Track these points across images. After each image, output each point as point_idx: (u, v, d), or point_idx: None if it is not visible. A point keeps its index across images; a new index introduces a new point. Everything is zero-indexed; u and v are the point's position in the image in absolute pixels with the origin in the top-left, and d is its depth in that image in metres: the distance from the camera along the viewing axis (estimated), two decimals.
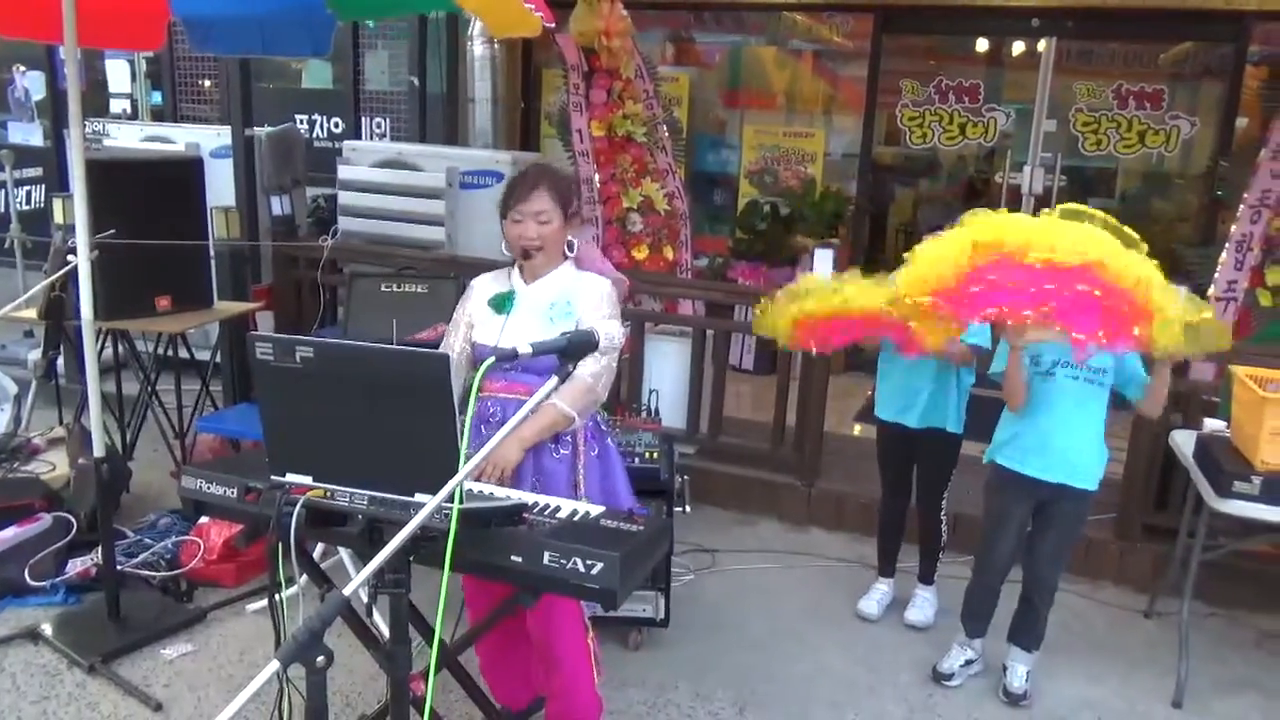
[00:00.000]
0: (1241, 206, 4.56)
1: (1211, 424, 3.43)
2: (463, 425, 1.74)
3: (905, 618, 3.52)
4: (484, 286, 2.56)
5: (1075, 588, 3.78)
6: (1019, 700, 3.04)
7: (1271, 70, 5.71)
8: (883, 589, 3.63)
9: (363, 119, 7.14)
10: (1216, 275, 4.61)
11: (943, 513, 3.47)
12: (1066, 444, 2.85)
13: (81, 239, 2.99)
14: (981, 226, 2.47)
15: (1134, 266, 2.34)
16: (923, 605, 3.54)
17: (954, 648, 3.21)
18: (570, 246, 2.49)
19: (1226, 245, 4.59)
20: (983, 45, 6.54)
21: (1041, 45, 6.05)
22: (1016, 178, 6.20)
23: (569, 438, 2.46)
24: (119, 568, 3.36)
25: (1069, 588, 3.73)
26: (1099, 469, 2.90)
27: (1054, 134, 6.06)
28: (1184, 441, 3.38)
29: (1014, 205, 6.23)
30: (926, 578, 3.58)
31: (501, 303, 2.47)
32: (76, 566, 3.49)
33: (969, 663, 3.19)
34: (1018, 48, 6.41)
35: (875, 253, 7.13)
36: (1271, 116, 4.66)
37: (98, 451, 3.17)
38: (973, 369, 3.17)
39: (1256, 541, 3.35)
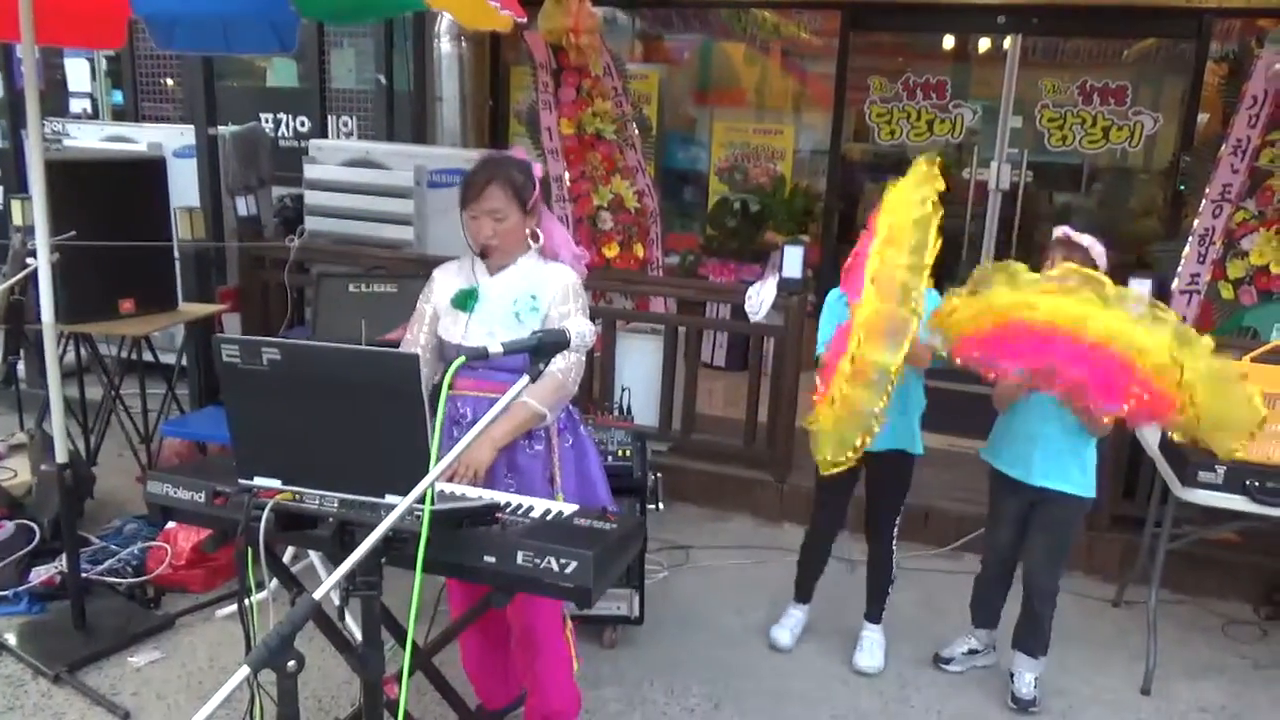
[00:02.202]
0: (1204, 201, 4.63)
1: None
2: (434, 425, 1.72)
3: (854, 663, 3.20)
4: (446, 279, 2.51)
5: None
6: (1028, 707, 2.99)
7: (1231, 66, 5.81)
8: (797, 615, 3.38)
9: (329, 118, 7.06)
10: (1180, 269, 4.68)
11: (894, 543, 3.18)
12: (1046, 448, 2.83)
13: (41, 241, 2.93)
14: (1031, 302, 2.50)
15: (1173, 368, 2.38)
16: (872, 648, 3.23)
17: (960, 636, 3.24)
18: (535, 237, 2.45)
19: (1189, 239, 4.66)
20: (949, 42, 6.60)
21: (1007, 42, 6.11)
22: (984, 174, 6.26)
23: (542, 432, 2.45)
24: (84, 575, 3.31)
25: None
26: (1086, 475, 2.86)
27: (1020, 130, 6.12)
28: (1150, 433, 3.43)
29: (980, 201, 6.30)
30: (874, 616, 3.27)
31: (464, 301, 2.42)
32: (40, 575, 3.42)
33: (972, 651, 3.19)
34: (983, 45, 6.47)
35: (845, 249, 7.19)
36: (1231, 112, 4.73)
37: (60, 457, 3.11)
38: (922, 378, 3.03)
39: (1220, 530, 3.41)
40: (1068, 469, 2.84)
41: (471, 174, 2.41)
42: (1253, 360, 3.15)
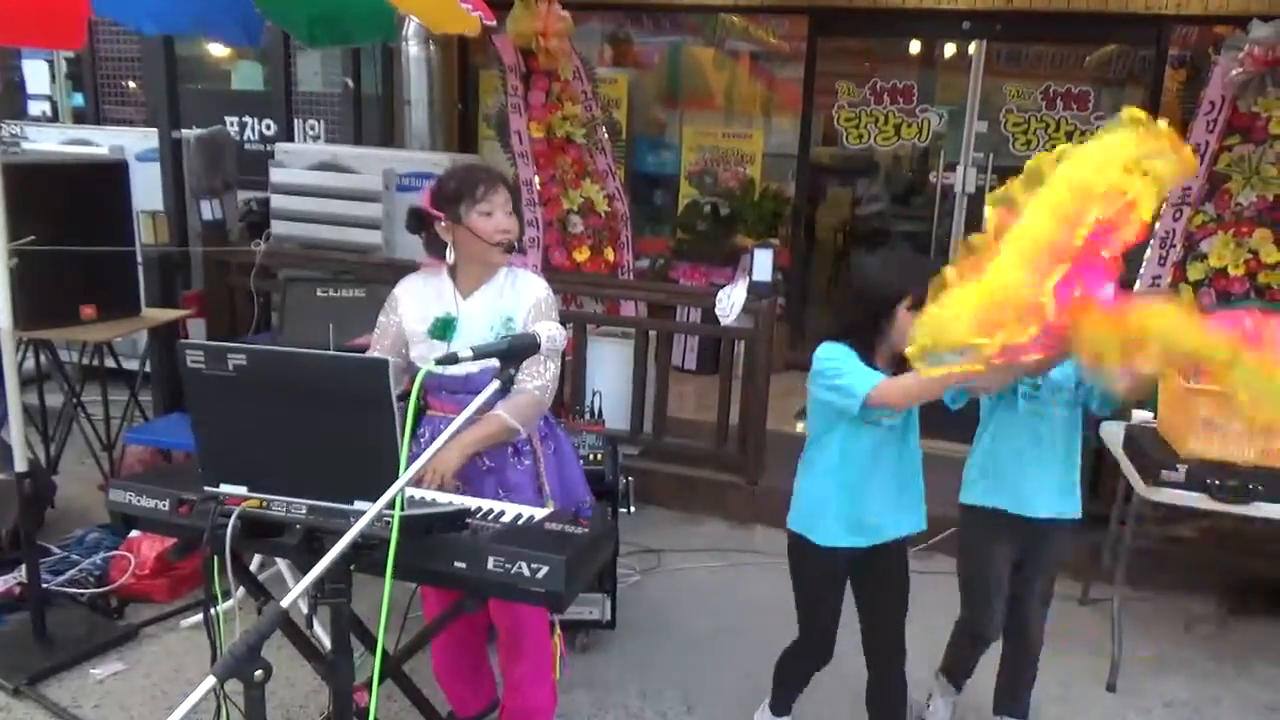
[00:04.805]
0: (1164, 204, 4.71)
1: (1139, 415, 3.54)
2: (404, 431, 1.71)
3: None
4: (412, 299, 2.43)
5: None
6: None
7: (1189, 73, 5.92)
8: None
9: (295, 121, 7.00)
10: (1142, 270, 4.76)
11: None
12: (1044, 473, 2.54)
13: None
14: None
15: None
16: None
17: (939, 701, 2.91)
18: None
19: (1151, 241, 4.75)
20: (915, 47, 6.67)
21: (972, 48, 6.18)
22: (950, 177, 6.33)
23: (528, 447, 2.45)
24: (44, 586, 3.24)
25: None
26: (1078, 493, 2.62)
27: (985, 134, 6.20)
28: (1114, 432, 3.48)
29: (946, 204, 6.37)
30: None
31: (443, 331, 2.37)
32: None
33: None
34: (949, 50, 6.54)
35: (814, 252, 7.24)
36: (1190, 117, 4.83)
37: (20, 466, 3.05)
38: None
39: (1183, 528, 3.47)
40: (1068, 492, 2.57)
41: (471, 174, 2.33)
42: None
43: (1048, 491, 2.56)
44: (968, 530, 2.68)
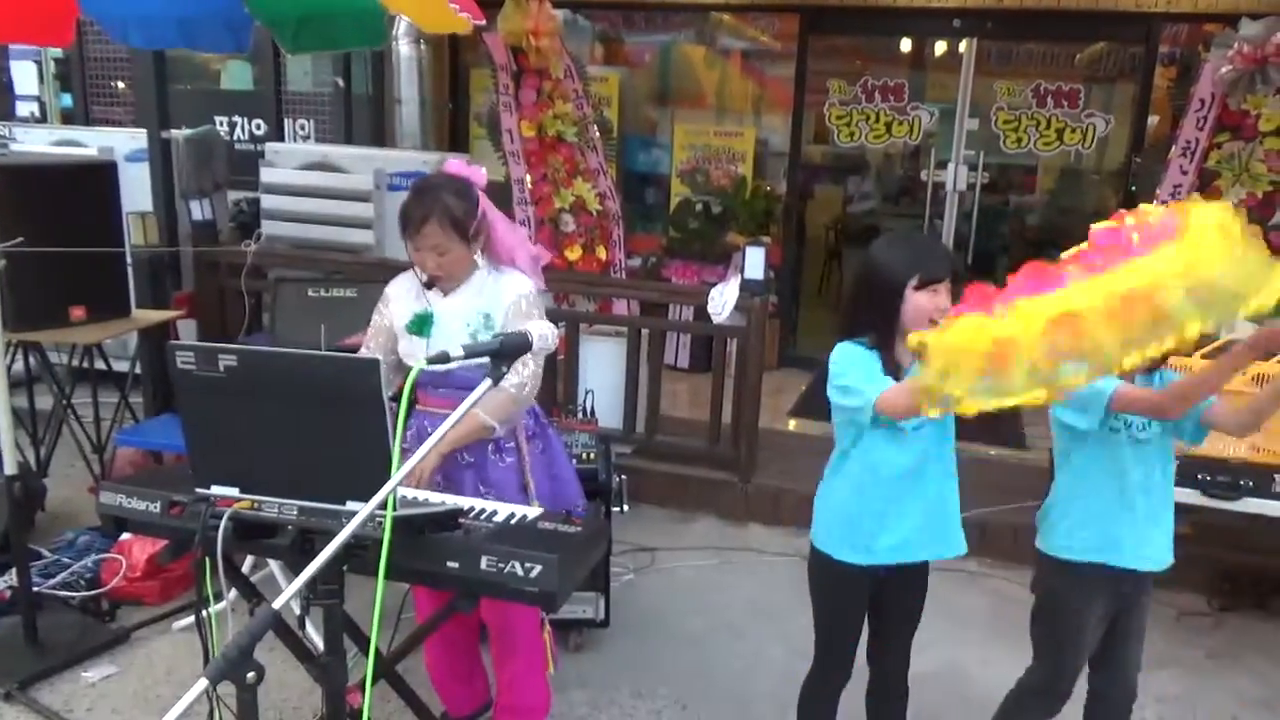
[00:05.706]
0: (1154, 201, 4.73)
1: None
2: (395, 431, 1.70)
3: None
4: (400, 296, 2.46)
5: (1009, 574, 3.86)
6: None
7: (1179, 70, 5.95)
8: None
9: (285, 121, 6.97)
10: None
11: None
12: (1145, 509, 2.34)
13: None
14: None
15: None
16: None
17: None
18: (484, 252, 2.40)
19: None
20: (906, 46, 6.68)
21: (963, 46, 6.19)
22: (941, 175, 6.34)
23: (510, 444, 2.44)
24: (35, 589, 3.22)
25: (1003, 574, 3.83)
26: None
27: (976, 132, 6.22)
28: None
29: (937, 202, 6.38)
30: None
31: (420, 326, 2.38)
32: None
33: None
34: (940, 48, 6.56)
35: (806, 249, 7.25)
36: (1180, 114, 4.85)
37: (9, 469, 3.04)
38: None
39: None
40: (1167, 532, 2.31)
41: (407, 205, 2.32)
42: (1203, 356, 3.22)
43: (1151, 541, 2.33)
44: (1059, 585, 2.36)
